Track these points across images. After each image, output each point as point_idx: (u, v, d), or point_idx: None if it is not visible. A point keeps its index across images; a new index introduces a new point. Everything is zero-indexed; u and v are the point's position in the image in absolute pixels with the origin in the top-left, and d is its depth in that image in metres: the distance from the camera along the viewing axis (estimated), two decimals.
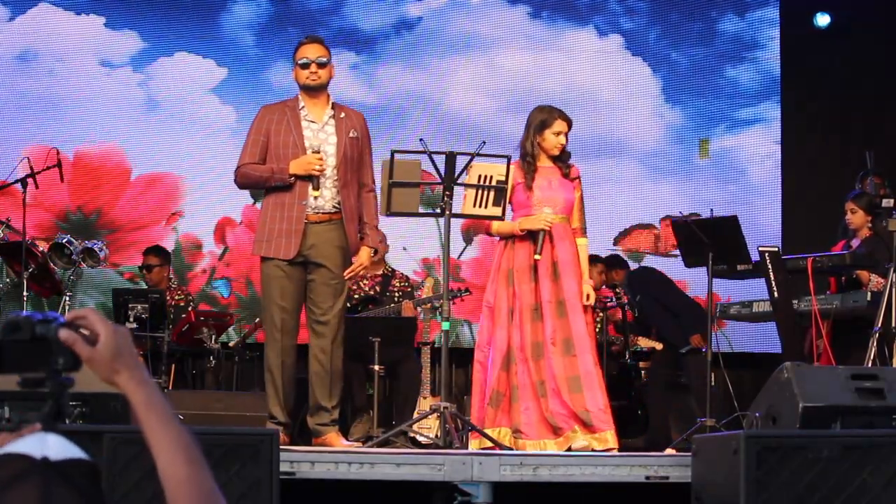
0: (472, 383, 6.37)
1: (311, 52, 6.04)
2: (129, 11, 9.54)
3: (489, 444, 5.87)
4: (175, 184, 9.63)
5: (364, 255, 6.06)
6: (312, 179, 5.89)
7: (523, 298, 6.12)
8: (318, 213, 5.94)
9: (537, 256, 6.10)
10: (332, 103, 6.10)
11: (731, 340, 8.38)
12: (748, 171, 10.29)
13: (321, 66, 6.02)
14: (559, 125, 6.24)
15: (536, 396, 6.03)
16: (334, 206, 5.97)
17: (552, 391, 6.01)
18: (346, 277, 6.03)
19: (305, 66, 6.01)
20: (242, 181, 6.16)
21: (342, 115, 6.07)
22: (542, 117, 6.27)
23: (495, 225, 6.26)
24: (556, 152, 6.26)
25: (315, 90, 6.04)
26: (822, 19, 10.37)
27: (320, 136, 6.00)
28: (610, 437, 5.97)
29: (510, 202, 6.26)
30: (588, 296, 6.16)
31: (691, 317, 8.01)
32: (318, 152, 5.91)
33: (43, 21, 9.41)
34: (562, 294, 6.10)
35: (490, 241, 9.74)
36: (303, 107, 6.04)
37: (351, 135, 6.02)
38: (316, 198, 5.90)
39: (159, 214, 9.59)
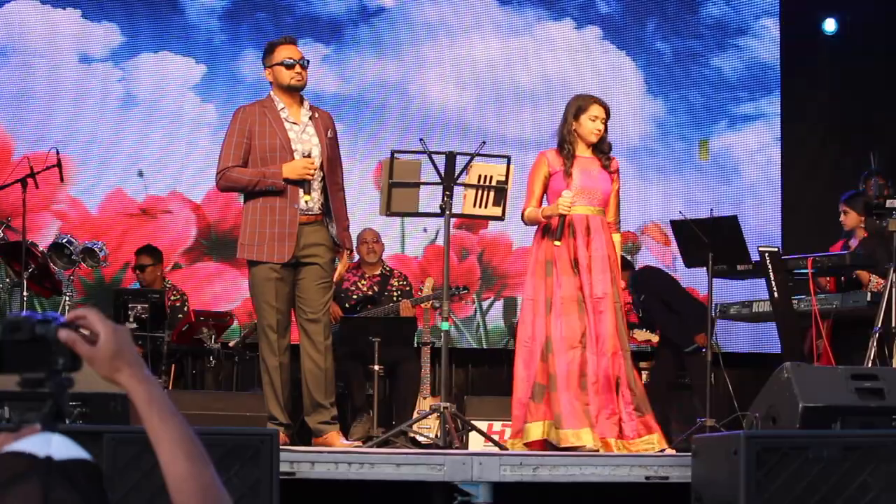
0: (514, 379, 6.09)
1: (295, 52, 6.01)
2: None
3: (532, 439, 5.82)
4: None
5: (346, 256, 6.17)
6: (304, 184, 5.88)
7: (566, 290, 5.96)
8: (307, 214, 5.95)
9: (556, 243, 5.96)
10: (309, 104, 6.08)
11: (718, 341, 8.31)
12: (746, 170, 10.24)
13: (304, 67, 6.00)
14: (595, 109, 6.10)
15: (579, 387, 5.88)
16: (320, 207, 5.98)
17: (591, 385, 5.90)
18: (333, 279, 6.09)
19: (291, 66, 5.96)
20: (226, 185, 6.03)
21: (316, 115, 6.05)
22: (579, 103, 6.14)
23: (526, 211, 6.13)
24: (594, 139, 6.10)
25: (296, 90, 6.01)
26: (829, 24, 10.33)
27: (303, 137, 5.97)
28: (612, 444, 5.83)
29: (546, 192, 6.14)
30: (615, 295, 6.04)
31: (696, 316, 8.00)
32: (309, 157, 5.89)
33: (19, 15, 9.21)
34: (593, 291, 5.96)
35: (480, 237, 9.79)
36: (282, 108, 5.99)
37: (328, 135, 6.02)
38: (307, 201, 5.90)
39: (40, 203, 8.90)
